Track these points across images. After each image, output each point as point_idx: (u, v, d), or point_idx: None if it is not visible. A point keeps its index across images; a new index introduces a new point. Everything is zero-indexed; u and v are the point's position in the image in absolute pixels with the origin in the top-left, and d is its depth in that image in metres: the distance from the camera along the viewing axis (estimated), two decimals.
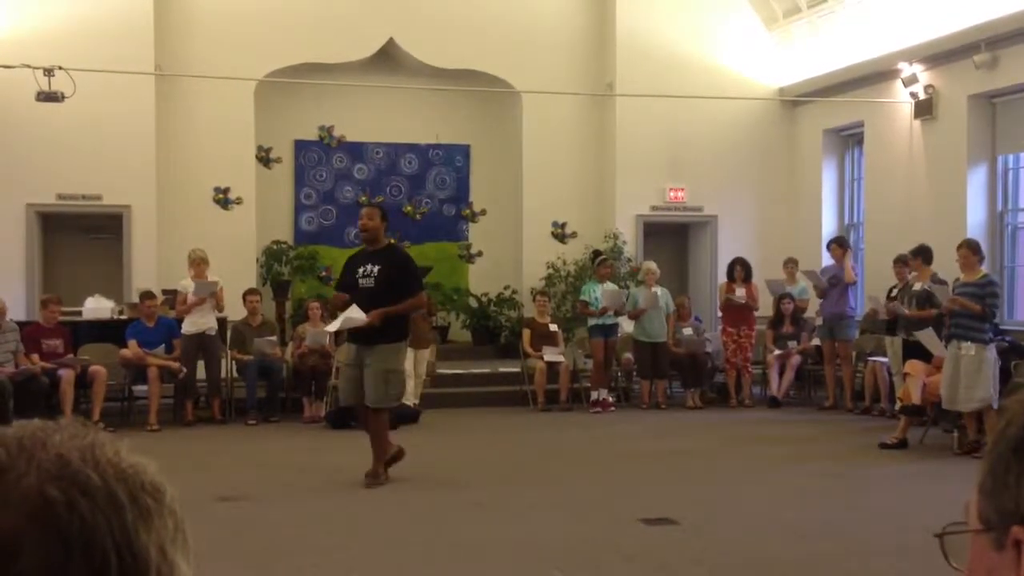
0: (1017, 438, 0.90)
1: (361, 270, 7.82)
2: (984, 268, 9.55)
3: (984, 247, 9.97)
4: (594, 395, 12.45)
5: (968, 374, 8.94)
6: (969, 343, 9.00)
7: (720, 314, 13.62)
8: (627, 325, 12.80)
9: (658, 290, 12.79)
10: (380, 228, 7.97)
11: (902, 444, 9.57)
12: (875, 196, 14.01)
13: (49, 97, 11.40)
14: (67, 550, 0.68)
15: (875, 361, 11.92)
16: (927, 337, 9.67)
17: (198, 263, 11.46)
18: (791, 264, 13.39)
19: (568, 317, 14.25)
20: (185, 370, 11.26)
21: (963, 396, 8.92)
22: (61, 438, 0.74)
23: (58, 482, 0.70)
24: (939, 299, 9.76)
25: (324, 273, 15.60)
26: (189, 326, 11.37)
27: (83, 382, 10.93)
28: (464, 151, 16.24)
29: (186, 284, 11.48)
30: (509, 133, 15.77)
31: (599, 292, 12.38)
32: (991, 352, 9.07)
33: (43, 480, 0.70)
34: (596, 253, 13.64)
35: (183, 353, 11.35)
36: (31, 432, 0.75)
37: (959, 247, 9.47)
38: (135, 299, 12.15)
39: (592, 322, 12.48)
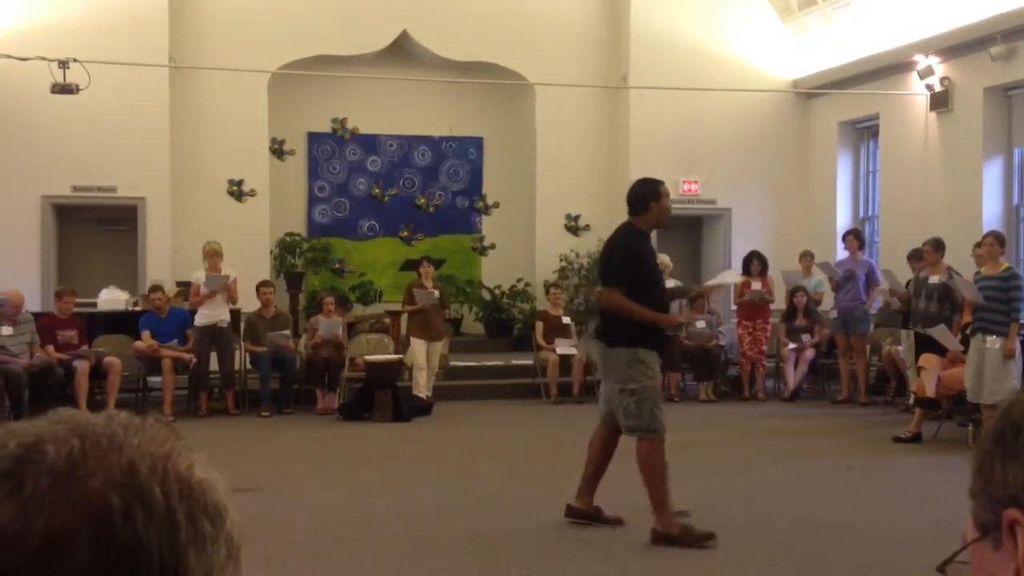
0: (996, 429, 0.90)
1: (656, 262, 6.46)
2: (1003, 260, 9.48)
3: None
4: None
5: (993, 367, 8.87)
6: (994, 336, 8.93)
7: (734, 307, 13.59)
8: None
9: (672, 283, 12.76)
10: None
11: (916, 438, 9.53)
12: (890, 189, 13.95)
13: (64, 89, 11.43)
14: (114, 559, 0.67)
15: (892, 347, 11.81)
16: (941, 332, 9.63)
17: (212, 256, 11.48)
18: (807, 257, 13.33)
19: (581, 310, 14.23)
20: (195, 359, 11.30)
21: (989, 389, 8.83)
22: (140, 441, 0.73)
23: (121, 490, 0.69)
24: (958, 293, 9.71)
25: (337, 265, 15.64)
26: (201, 318, 11.41)
27: (98, 373, 11.00)
28: (477, 143, 16.24)
29: (199, 276, 11.51)
30: (523, 125, 15.75)
31: None
32: (1016, 345, 9.02)
33: (107, 485, 0.69)
34: None
35: (196, 345, 11.39)
36: (113, 430, 0.74)
37: (985, 236, 9.39)
38: None
39: None
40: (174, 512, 0.71)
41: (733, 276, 8.25)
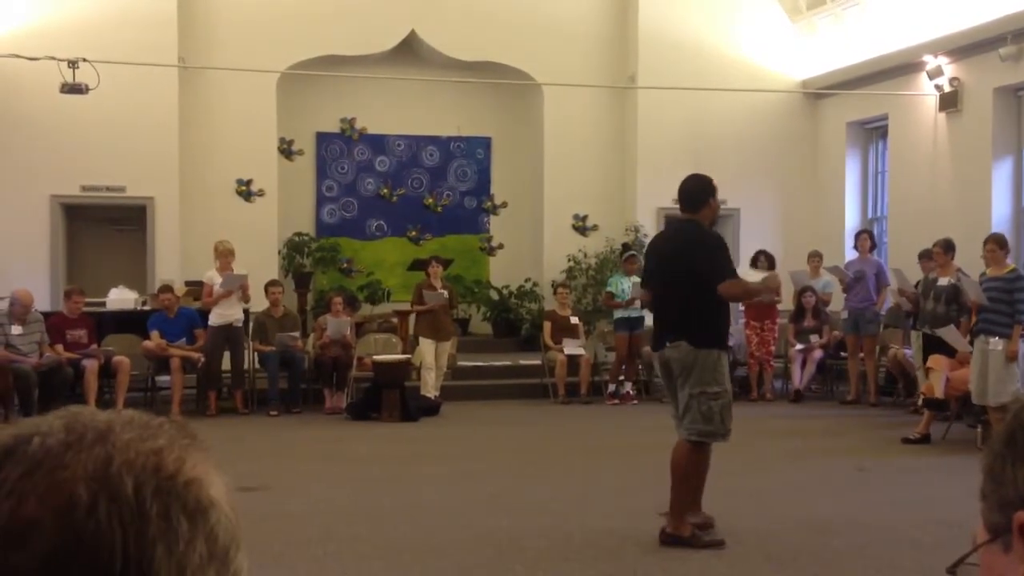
0: (1008, 431, 0.90)
1: None
2: (1010, 262, 9.46)
3: (1008, 241, 9.87)
4: (611, 387, 12.44)
5: (997, 369, 8.85)
6: (997, 338, 8.91)
7: (742, 308, 13.56)
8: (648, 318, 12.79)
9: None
10: None
11: (925, 439, 9.51)
12: (899, 190, 13.93)
13: (73, 89, 11.47)
14: (75, 550, 0.68)
15: (898, 350, 11.78)
16: (949, 333, 9.60)
17: (224, 255, 11.50)
18: (815, 258, 13.32)
19: (589, 310, 14.23)
20: (204, 358, 11.32)
21: (993, 390, 8.81)
22: (131, 438, 0.73)
23: (91, 482, 0.70)
24: (967, 294, 9.68)
25: (345, 265, 15.66)
26: (216, 318, 11.42)
27: (107, 372, 11.02)
28: (485, 143, 16.24)
29: (211, 275, 11.53)
30: (531, 125, 15.76)
31: (627, 285, 12.31)
32: (1020, 347, 8.99)
33: (78, 477, 0.70)
34: (625, 247, 13.64)
35: (210, 344, 11.40)
36: (110, 426, 0.74)
37: (986, 241, 9.37)
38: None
39: (618, 315, 12.44)
40: (144, 507, 0.70)
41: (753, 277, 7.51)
